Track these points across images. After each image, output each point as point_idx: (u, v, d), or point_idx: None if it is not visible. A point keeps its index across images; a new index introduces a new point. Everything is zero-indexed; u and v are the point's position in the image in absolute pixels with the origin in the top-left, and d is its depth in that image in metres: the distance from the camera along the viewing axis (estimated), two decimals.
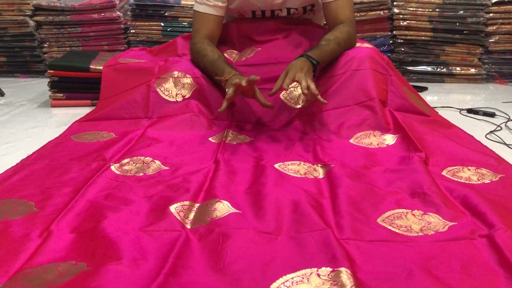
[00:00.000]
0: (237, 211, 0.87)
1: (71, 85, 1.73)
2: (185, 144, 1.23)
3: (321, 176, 1.04)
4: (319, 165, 1.10)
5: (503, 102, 1.73)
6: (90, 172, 1.04)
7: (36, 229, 0.81)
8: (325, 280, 0.67)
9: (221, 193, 0.93)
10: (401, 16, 2.07)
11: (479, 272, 0.69)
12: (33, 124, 1.53)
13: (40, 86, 2.03)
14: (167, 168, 1.09)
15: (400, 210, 0.88)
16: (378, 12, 2.08)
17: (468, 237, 0.78)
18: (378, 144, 1.21)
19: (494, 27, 2.04)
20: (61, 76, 1.72)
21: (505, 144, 1.29)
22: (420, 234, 0.80)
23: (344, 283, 0.65)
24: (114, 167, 1.08)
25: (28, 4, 2.14)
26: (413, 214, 0.86)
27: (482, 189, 0.94)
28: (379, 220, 0.85)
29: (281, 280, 0.68)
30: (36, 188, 0.98)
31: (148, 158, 1.13)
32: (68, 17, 2.13)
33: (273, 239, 0.78)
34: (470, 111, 1.61)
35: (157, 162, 1.12)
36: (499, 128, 1.43)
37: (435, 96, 1.91)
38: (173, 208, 0.89)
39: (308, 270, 0.69)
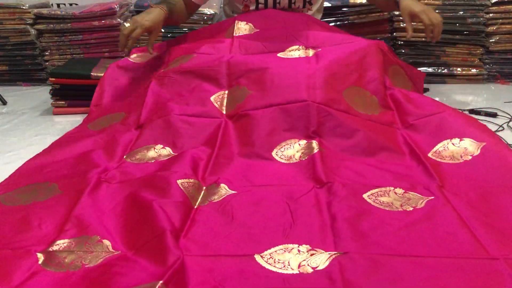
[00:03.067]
0: (234, 192, 0.99)
1: (72, 93, 1.74)
2: (191, 126, 1.27)
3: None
4: (314, 142, 1.15)
5: (504, 102, 1.73)
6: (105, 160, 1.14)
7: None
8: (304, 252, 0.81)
9: (222, 177, 1.05)
10: (401, 18, 2.06)
11: (444, 229, 0.83)
12: (36, 132, 1.54)
13: (42, 94, 2.04)
14: (176, 154, 1.15)
15: (384, 188, 0.98)
16: (378, 14, 2.08)
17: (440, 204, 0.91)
18: None
19: (494, 27, 2.04)
20: (62, 83, 1.72)
21: (507, 144, 1.29)
22: (400, 209, 0.91)
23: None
24: (126, 157, 1.15)
25: (29, 13, 2.15)
26: (395, 192, 0.97)
27: (462, 168, 1.05)
28: (364, 196, 0.95)
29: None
30: (59, 172, 1.09)
31: (159, 145, 1.19)
32: (69, 24, 2.14)
33: (272, 205, 0.94)
34: (472, 111, 1.61)
35: (168, 148, 1.18)
36: (501, 128, 1.43)
37: (437, 97, 1.88)
38: (179, 182, 0.98)
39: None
